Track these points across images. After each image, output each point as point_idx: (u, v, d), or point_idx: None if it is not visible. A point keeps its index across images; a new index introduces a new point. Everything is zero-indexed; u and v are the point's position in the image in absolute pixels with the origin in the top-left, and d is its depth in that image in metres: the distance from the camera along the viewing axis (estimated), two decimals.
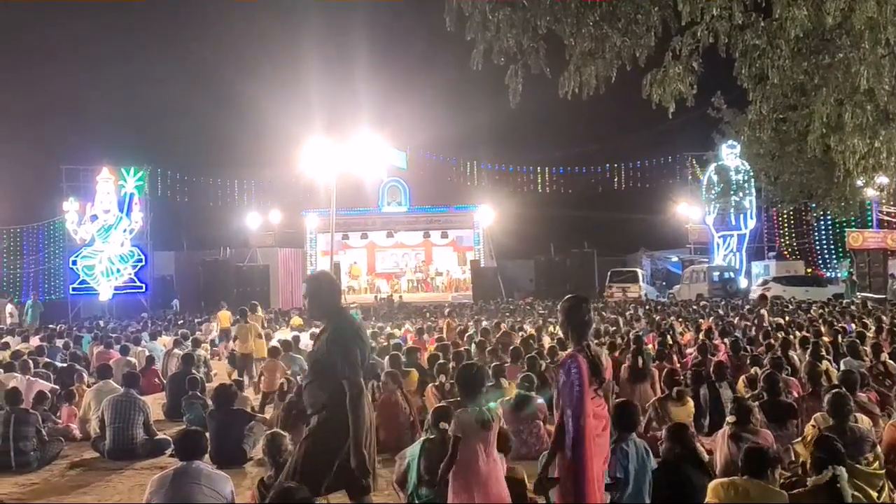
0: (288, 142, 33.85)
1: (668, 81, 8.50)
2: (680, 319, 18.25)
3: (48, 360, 12.46)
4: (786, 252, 39.36)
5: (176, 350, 13.68)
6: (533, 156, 42.34)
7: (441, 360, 9.56)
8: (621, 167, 41.75)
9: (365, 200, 37.67)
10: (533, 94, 8.88)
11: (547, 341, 13.15)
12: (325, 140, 27.02)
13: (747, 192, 34.71)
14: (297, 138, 30.28)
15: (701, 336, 12.75)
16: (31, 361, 10.94)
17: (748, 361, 9.56)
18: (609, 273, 34.83)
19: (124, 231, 31.28)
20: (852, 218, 32.37)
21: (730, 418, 6.08)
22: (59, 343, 15.45)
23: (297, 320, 21.11)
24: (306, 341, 14.39)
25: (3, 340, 15.96)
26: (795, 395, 7.78)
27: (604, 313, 20.77)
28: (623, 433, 5.21)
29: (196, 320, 23.16)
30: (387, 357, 10.00)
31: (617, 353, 10.97)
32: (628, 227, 42.69)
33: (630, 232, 42.35)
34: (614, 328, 15.67)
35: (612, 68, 8.56)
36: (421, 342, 13.97)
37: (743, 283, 32.97)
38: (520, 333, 14.45)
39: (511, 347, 10.95)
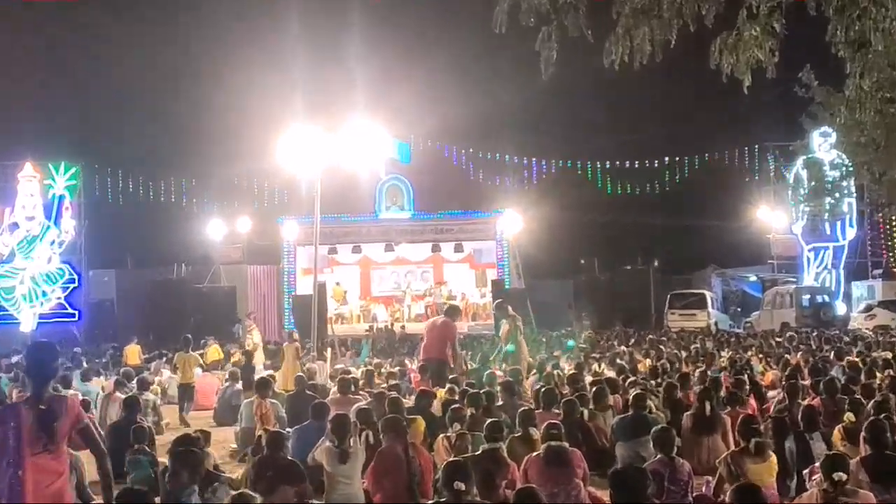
0: (260, 131, 33.92)
1: (742, 47, 8.45)
2: (760, 355, 18.17)
3: None
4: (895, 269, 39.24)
5: (117, 393, 13.68)
6: (571, 146, 42.53)
7: (456, 405, 9.55)
8: (684, 161, 41.76)
9: (357, 204, 37.74)
10: (570, 65, 8.90)
11: (589, 381, 13.09)
12: (308, 128, 27.05)
13: (845, 192, 34.57)
14: (273, 126, 30.21)
15: (786, 376, 12.68)
16: None
17: (846, 407, 9.50)
18: (669, 296, 34.76)
19: (52, 243, 31.44)
20: None
21: (822, 478, 6.04)
22: None
23: (214, 351, 21.21)
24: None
25: None
26: None
27: (662, 347, 20.67)
28: None
29: (144, 356, 23.24)
30: (385, 402, 10.01)
31: (679, 397, 10.94)
32: (694, 237, 42.71)
33: (696, 244, 42.37)
34: (675, 366, 15.60)
35: (672, 30, 8.48)
36: (426, 381, 14.00)
37: (840, 308, 32.78)
38: (555, 372, 14.42)
39: (543, 389, 10.93)
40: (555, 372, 14.58)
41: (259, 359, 20.53)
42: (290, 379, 15.72)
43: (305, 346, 19.86)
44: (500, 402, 10.91)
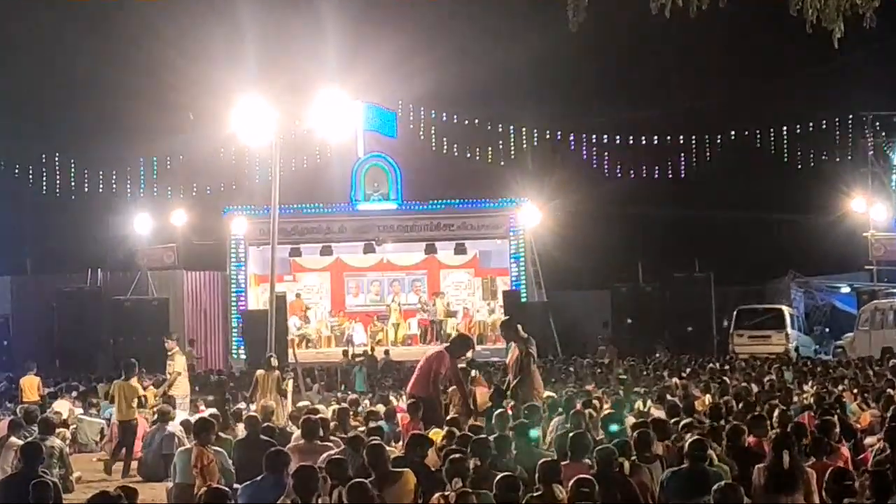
0: (202, 96, 34.07)
1: None
2: (855, 390, 18.09)
3: None
4: None
5: (13, 438, 13.68)
6: (607, 117, 42.43)
7: (456, 454, 9.53)
8: (754, 136, 41.77)
9: (328, 192, 37.75)
10: (605, 12, 8.90)
11: (630, 423, 13.06)
12: (263, 93, 27.10)
13: None
14: (218, 89, 30.44)
15: (889, 417, 12.65)
16: None
17: None
18: (736, 312, 34.72)
19: None
20: None
21: None
22: None
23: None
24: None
25: None
26: None
27: (726, 379, 20.62)
28: None
29: (47, 390, 23.19)
30: (364, 450, 9.99)
31: (749, 444, 10.91)
32: (767, 236, 42.67)
33: (770, 244, 42.36)
34: (742, 404, 15.57)
35: None
36: (417, 423, 13.99)
37: None
38: (587, 412, 14.40)
39: (571, 433, 10.91)
40: (586, 411, 14.55)
41: (181, 391, 20.45)
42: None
43: (286, 374, 19.85)
44: (514, 451, 10.89)
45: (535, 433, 12.06)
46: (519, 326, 17.02)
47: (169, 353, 20.87)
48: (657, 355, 31.79)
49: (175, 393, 19.86)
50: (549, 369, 26.56)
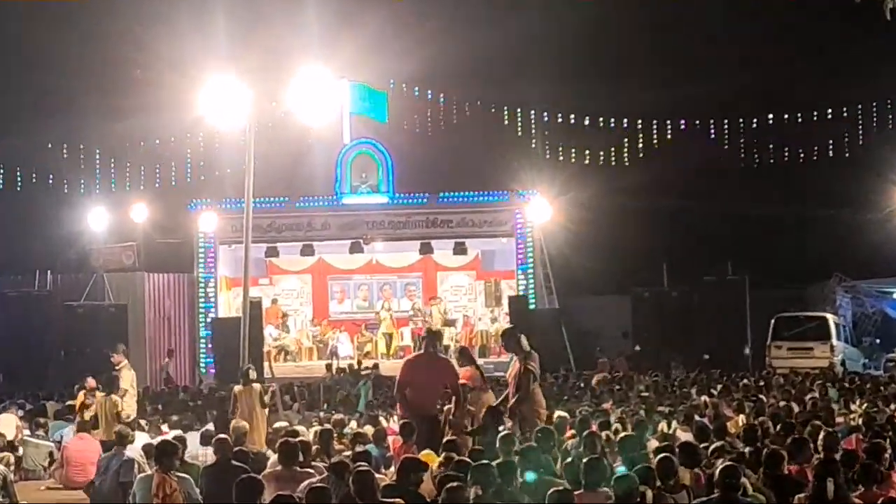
0: (166, 73, 34.02)
1: None
2: None
3: None
4: None
5: None
6: (628, 98, 42.39)
7: (454, 482, 9.53)
8: (795, 120, 41.71)
9: (309, 182, 37.74)
10: None
11: (653, 447, 13.05)
12: (236, 70, 27.11)
13: None
14: (185, 65, 30.41)
15: None
16: None
17: None
18: (774, 321, 34.72)
19: None
20: None
21: None
22: None
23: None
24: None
25: None
26: None
27: (763, 397, 20.62)
28: None
29: None
30: (350, 477, 9.99)
31: (790, 469, 10.90)
32: (810, 233, 42.63)
33: (814, 243, 42.30)
34: (781, 426, 15.56)
35: None
36: (411, 447, 13.99)
37: None
38: (603, 434, 14.40)
39: (586, 460, 10.90)
40: (603, 433, 14.55)
41: (127, 411, 20.39)
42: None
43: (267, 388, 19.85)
44: (520, 479, 10.88)
45: (544, 459, 12.05)
46: (522, 337, 17.04)
47: (116, 368, 20.77)
48: (683, 367, 31.80)
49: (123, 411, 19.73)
50: (561, 385, 26.58)
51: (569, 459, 12.03)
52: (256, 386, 18.92)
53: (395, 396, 16.96)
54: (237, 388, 19.15)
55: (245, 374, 19.44)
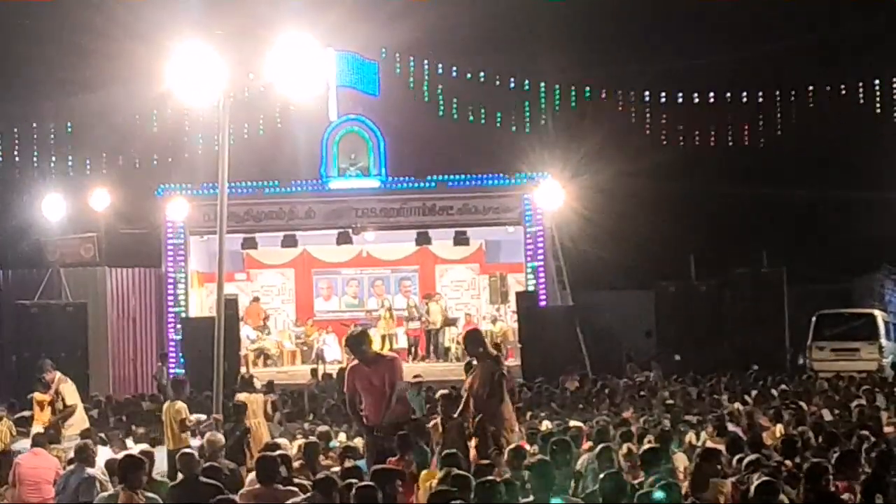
0: (130, 41, 34.06)
1: None
2: None
3: None
4: None
5: None
6: (650, 68, 42.43)
7: (456, 500, 9.57)
8: (838, 92, 41.72)
9: (291, 165, 37.78)
10: None
11: (682, 462, 13.11)
12: (208, 38, 27.15)
13: None
14: (151, 33, 30.46)
15: None
16: None
17: None
18: (815, 318, 34.79)
19: None
20: None
21: None
22: None
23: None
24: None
25: None
26: None
27: (803, 404, 20.63)
28: None
29: None
30: (336, 495, 10.03)
31: (832, 487, 10.94)
32: (856, 220, 42.68)
33: (860, 231, 42.34)
34: (823, 436, 15.59)
35: None
36: (403, 462, 14.01)
37: None
38: (624, 446, 14.44)
39: (603, 475, 10.95)
40: (624, 445, 14.59)
41: (77, 426, 20.36)
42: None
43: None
44: (529, 497, 10.91)
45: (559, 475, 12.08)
46: (486, 342, 17.05)
47: (55, 388, 20.62)
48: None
49: (70, 432, 19.47)
50: (575, 391, 26.60)
51: (587, 481, 12.10)
52: (264, 396, 19.07)
53: (349, 413, 16.67)
54: (242, 395, 19.28)
55: (248, 381, 19.58)
